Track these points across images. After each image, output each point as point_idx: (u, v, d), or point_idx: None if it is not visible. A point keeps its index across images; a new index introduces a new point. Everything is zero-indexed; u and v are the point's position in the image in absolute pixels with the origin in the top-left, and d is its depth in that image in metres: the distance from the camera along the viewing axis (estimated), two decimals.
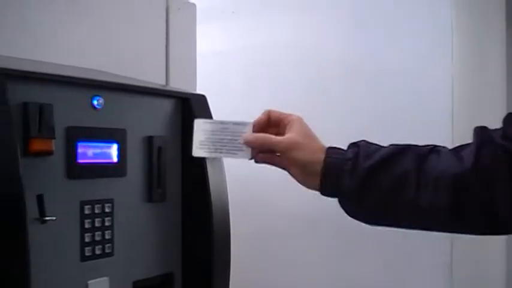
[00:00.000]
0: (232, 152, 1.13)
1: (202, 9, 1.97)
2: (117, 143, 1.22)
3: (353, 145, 1.08)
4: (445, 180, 1.00)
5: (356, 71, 2.20)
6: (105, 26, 1.61)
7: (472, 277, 2.00)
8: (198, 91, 1.54)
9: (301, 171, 1.09)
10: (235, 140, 1.13)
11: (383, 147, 1.08)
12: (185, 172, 1.38)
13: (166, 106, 1.36)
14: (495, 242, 1.99)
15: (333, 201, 1.08)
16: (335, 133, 2.11)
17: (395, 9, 2.14)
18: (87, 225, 1.17)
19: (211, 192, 1.33)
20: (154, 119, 1.32)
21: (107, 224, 1.20)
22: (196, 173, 1.35)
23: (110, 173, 1.22)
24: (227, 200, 1.38)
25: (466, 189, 0.99)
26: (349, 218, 1.08)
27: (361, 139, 1.10)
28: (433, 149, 1.05)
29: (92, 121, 1.18)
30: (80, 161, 1.15)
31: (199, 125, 1.15)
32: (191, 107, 1.37)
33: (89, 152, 1.17)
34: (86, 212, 1.17)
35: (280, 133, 1.12)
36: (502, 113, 1.04)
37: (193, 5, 1.93)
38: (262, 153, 1.13)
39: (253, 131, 1.13)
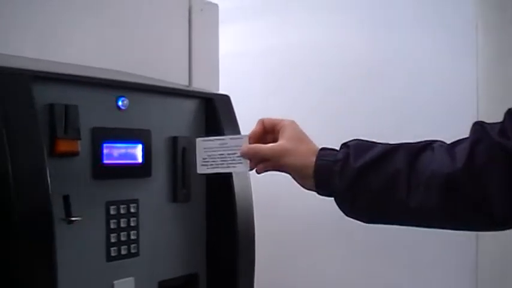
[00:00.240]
0: (232, 165, 1.17)
1: (224, 9, 1.97)
2: (142, 143, 1.23)
3: (344, 145, 1.09)
4: (437, 180, 0.98)
5: (379, 71, 2.19)
6: (129, 28, 1.62)
7: (497, 277, 1.98)
8: (221, 91, 1.54)
9: (296, 175, 1.11)
10: (234, 153, 1.16)
11: (375, 145, 1.07)
12: None
13: (190, 106, 1.36)
14: None
15: None
16: (358, 133, 2.12)
17: (418, 8, 2.12)
18: (112, 226, 1.17)
19: (235, 192, 1.32)
20: (179, 120, 1.33)
21: (132, 224, 1.21)
22: (220, 173, 1.34)
23: (135, 174, 1.22)
24: (251, 200, 1.38)
25: (458, 188, 0.97)
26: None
27: (354, 138, 1.10)
28: (427, 146, 1.04)
29: (117, 122, 1.19)
30: (106, 161, 1.15)
31: (200, 144, 1.18)
32: (215, 107, 1.37)
33: (114, 153, 1.17)
34: (112, 212, 1.17)
35: (276, 139, 1.14)
36: None
37: (216, 5, 1.93)
38: (262, 163, 1.14)
39: (250, 143, 1.15)
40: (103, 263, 1.16)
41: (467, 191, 0.96)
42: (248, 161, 1.15)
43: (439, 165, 0.99)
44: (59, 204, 1.05)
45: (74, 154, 1.09)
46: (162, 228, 1.29)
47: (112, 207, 1.17)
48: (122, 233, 1.19)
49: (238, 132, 1.38)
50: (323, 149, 1.10)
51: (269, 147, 1.12)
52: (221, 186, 1.34)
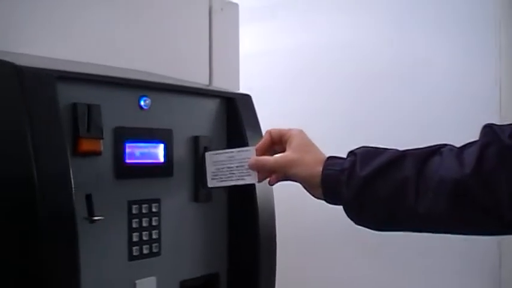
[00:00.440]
0: (242, 178, 1.19)
1: (244, 9, 1.97)
2: (164, 143, 1.23)
3: (351, 153, 1.09)
4: (445, 185, 0.97)
5: (402, 71, 2.17)
6: (149, 28, 1.62)
7: None
8: (241, 91, 1.54)
9: (305, 185, 1.12)
10: (243, 166, 1.19)
11: (382, 152, 1.06)
12: None
13: (211, 106, 1.36)
14: None
15: None
16: (379, 135, 2.10)
17: (440, 8, 2.10)
18: (134, 225, 1.18)
19: (257, 192, 1.32)
20: (200, 119, 1.33)
21: (154, 223, 1.21)
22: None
23: (156, 173, 1.22)
24: (273, 201, 1.38)
25: (467, 194, 0.95)
26: None
27: (361, 145, 1.09)
28: (436, 151, 1.03)
29: (139, 121, 1.19)
30: (128, 161, 1.16)
31: (209, 157, 1.21)
32: (236, 106, 1.36)
33: (136, 152, 1.17)
34: (134, 211, 1.17)
35: (284, 149, 1.15)
36: None
37: (236, 5, 1.93)
38: (273, 175, 1.16)
39: (257, 155, 1.17)
40: (125, 262, 1.17)
41: (476, 195, 0.95)
42: (256, 173, 1.17)
43: (447, 171, 0.98)
44: (81, 203, 1.05)
45: (97, 153, 1.10)
46: (184, 228, 1.29)
47: (134, 206, 1.18)
48: (143, 233, 1.19)
49: (260, 132, 1.38)
50: (330, 158, 1.10)
51: (275, 159, 1.14)
52: (242, 186, 1.33)
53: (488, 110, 1.95)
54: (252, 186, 1.30)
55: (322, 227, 2.31)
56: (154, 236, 1.21)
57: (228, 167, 1.21)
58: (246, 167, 1.18)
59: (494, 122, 1.00)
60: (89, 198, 1.07)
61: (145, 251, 1.20)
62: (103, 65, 1.37)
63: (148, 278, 1.20)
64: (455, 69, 2.07)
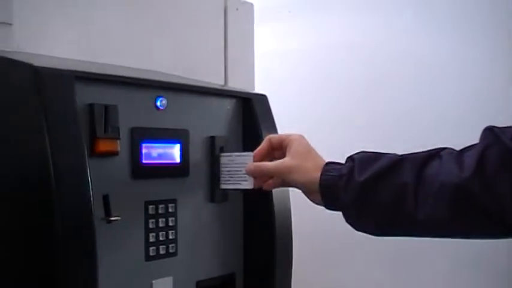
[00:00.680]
0: (238, 182, 1.21)
1: (259, 9, 1.97)
2: (180, 143, 1.23)
3: (349, 159, 1.08)
4: (445, 190, 0.96)
5: (418, 71, 2.16)
6: (164, 28, 1.63)
7: None
8: (256, 91, 1.53)
9: (304, 191, 1.13)
10: (240, 171, 1.20)
11: (381, 157, 1.05)
12: None
13: (227, 106, 1.35)
14: None
15: None
16: (397, 134, 2.09)
17: (451, 7, 2.08)
18: (151, 225, 1.18)
19: (273, 191, 1.32)
20: (216, 119, 1.32)
21: (170, 224, 1.21)
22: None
23: (173, 173, 1.22)
24: (289, 200, 1.37)
25: (468, 198, 0.94)
26: None
27: (360, 150, 1.09)
28: (435, 155, 1.01)
29: (155, 122, 1.19)
30: (145, 161, 1.16)
31: (220, 159, 1.25)
32: (252, 107, 1.36)
33: (153, 153, 1.18)
34: (150, 212, 1.18)
35: (284, 155, 1.15)
36: None
37: (251, 4, 1.93)
38: (270, 180, 1.18)
39: (255, 160, 1.18)
40: (142, 263, 1.17)
41: (478, 199, 0.93)
42: (252, 179, 1.18)
43: (447, 175, 0.96)
44: (98, 203, 1.05)
45: (114, 154, 1.10)
46: (200, 228, 1.29)
47: (150, 206, 1.18)
48: (160, 233, 1.19)
49: (276, 133, 1.37)
50: (328, 163, 1.10)
51: (273, 165, 1.14)
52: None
53: (502, 112, 1.93)
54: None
55: (339, 227, 2.30)
56: (170, 236, 1.21)
57: (228, 170, 1.23)
58: (244, 172, 1.19)
59: (509, 124, 0.99)
60: (106, 198, 1.07)
61: (162, 251, 1.20)
62: (119, 66, 1.38)
63: (165, 278, 1.20)
64: (467, 70, 2.05)
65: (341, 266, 2.35)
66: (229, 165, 1.23)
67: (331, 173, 1.07)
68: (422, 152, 1.03)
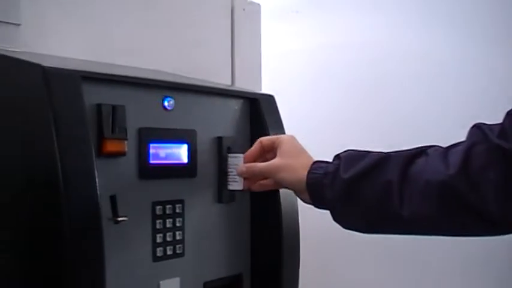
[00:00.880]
0: (230, 183, 1.25)
1: (266, 9, 1.96)
2: (188, 143, 1.23)
3: (336, 157, 1.09)
4: (430, 188, 0.96)
5: (428, 71, 2.15)
6: (171, 28, 1.63)
7: None
8: (263, 91, 1.53)
9: (294, 190, 1.16)
10: (232, 172, 1.24)
11: (367, 155, 1.06)
12: None
13: (235, 107, 1.35)
14: None
15: None
16: (404, 134, 2.09)
17: (469, 7, 2.08)
18: (158, 226, 1.17)
19: (280, 192, 1.31)
20: (224, 120, 1.32)
21: (177, 224, 1.21)
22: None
23: (180, 174, 1.22)
24: (296, 200, 1.36)
25: (454, 195, 0.94)
26: None
27: (347, 149, 1.10)
28: (422, 153, 1.02)
29: (162, 122, 1.19)
30: (152, 161, 1.16)
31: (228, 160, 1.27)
32: (260, 107, 1.36)
33: (160, 153, 1.17)
34: (158, 212, 1.17)
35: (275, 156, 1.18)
36: None
37: (258, 5, 1.93)
38: (260, 182, 1.21)
39: (245, 162, 1.21)
40: (149, 263, 1.16)
41: (463, 196, 0.93)
42: (242, 180, 1.22)
43: (432, 173, 0.96)
44: (105, 204, 1.05)
45: (121, 154, 1.10)
46: (207, 229, 1.28)
47: (158, 207, 1.17)
48: (167, 233, 1.19)
49: (283, 133, 1.37)
50: (316, 162, 1.11)
51: (264, 165, 1.17)
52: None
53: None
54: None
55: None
56: (178, 237, 1.21)
57: (224, 171, 1.26)
58: (235, 173, 1.22)
59: None
60: (113, 199, 1.06)
61: (169, 252, 1.19)
62: (127, 66, 1.38)
63: (172, 278, 1.20)
64: (475, 69, 2.05)
65: (346, 266, 2.35)
66: (225, 166, 1.26)
67: (318, 171, 1.09)
68: (409, 149, 1.04)
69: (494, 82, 1.99)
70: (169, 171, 1.20)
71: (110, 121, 1.07)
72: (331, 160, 1.11)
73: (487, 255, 2.00)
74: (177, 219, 1.21)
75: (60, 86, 0.98)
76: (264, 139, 1.21)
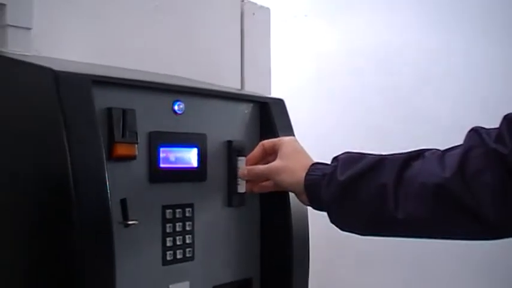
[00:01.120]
0: (238, 186, 1.28)
1: (276, 13, 1.97)
2: (198, 147, 1.23)
3: (334, 159, 1.10)
4: (425, 190, 0.96)
5: (442, 74, 2.14)
6: (182, 33, 1.63)
7: None
8: (273, 95, 1.53)
9: (293, 192, 1.18)
10: (235, 175, 1.27)
11: (364, 157, 1.07)
12: None
13: (245, 111, 1.35)
14: None
15: None
16: (418, 139, 2.08)
17: (479, 9, 2.07)
18: (168, 230, 1.17)
19: (290, 196, 1.31)
20: (234, 124, 1.32)
21: (187, 228, 1.21)
22: None
23: (190, 178, 1.22)
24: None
25: (449, 198, 0.94)
26: None
27: (345, 151, 1.11)
28: (418, 155, 1.02)
29: (172, 126, 1.19)
30: (162, 165, 1.16)
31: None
32: (270, 111, 1.36)
33: (170, 157, 1.17)
34: (168, 216, 1.17)
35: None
36: None
37: (268, 9, 1.93)
38: (261, 184, 1.24)
39: (247, 165, 1.24)
40: (159, 267, 1.16)
41: (458, 200, 0.94)
42: (244, 183, 1.25)
43: (428, 176, 0.97)
44: (116, 207, 1.05)
45: (131, 158, 1.10)
46: (217, 233, 1.28)
47: (168, 211, 1.17)
48: (177, 237, 1.19)
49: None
50: (314, 164, 1.13)
51: (264, 167, 1.20)
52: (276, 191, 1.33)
53: None
54: (285, 191, 1.29)
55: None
56: (188, 241, 1.21)
57: (234, 175, 1.28)
58: (237, 176, 1.25)
59: None
60: (123, 202, 1.07)
61: (178, 256, 1.19)
62: (137, 70, 1.38)
63: (182, 282, 1.20)
64: (492, 72, 2.04)
65: (350, 267, 2.34)
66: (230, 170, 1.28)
67: (316, 173, 1.10)
68: (407, 152, 1.04)
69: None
70: (179, 175, 1.20)
71: (120, 125, 1.07)
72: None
73: (490, 259, 1.99)
74: (187, 223, 1.21)
75: (71, 90, 0.98)
76: (266, 142, 1.24)
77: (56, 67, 0.99)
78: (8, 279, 1.07)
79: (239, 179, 1.26)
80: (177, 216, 1.19)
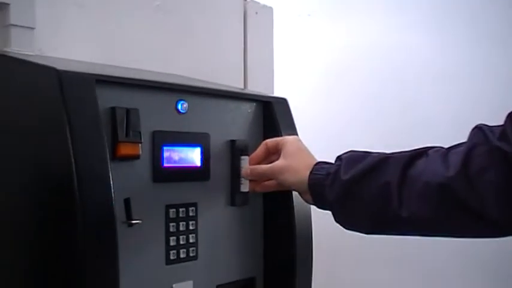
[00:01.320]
0: (241, 185, 1.28)
1: (278, 12, 1.97)
2: (201, 147, 1.23)
3: (338, 158, 1.10)
4: (429, 189, 0.96)
5: (442, 74, 2.14)
6: (185, 32, 1.63)
7: None
8: (276, 94, 1.53)
9: (297, 191, 1.17)
10: (237, 174, 1.27)
11: (368, 156, 1.07)
12: None
13: (248, 110, 1.35)
14: None
15: None
16: (417, 138, 2.08)
17: (482, 10, 2.07)
18: (171, 229, 1.18)
19: (293, 195, 1.31)
20: (237, 123, 1.32)
21: (191, 227, 1.21)
22: None
23: (193, 177, 1.22)
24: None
25: (453, 196, 0.94)
26: None
27: (349, 149, 1.11)
28: (422, 153, 1.02)
29: (176, 125, 1.19)
30: (166, 165, 1.16)
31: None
32: (273, 110, 1.36)
33: (174, 156, 1.17)
34: (171, 215, 1.17)
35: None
36: None
37: (270, 8, 1.93)
38: (264, 183, 1.24)
39: (251, 164, 1.24)
40: (162, 266, 1.16)
41: (462, 197, 0.93)
42: (248, 182, 1.25)
43: (432, 174, 0.97)
44: (119, 207, 1.05)
45: (135, 157, 1.10)
46: (220, 232, 1.28)
47: (171, 210, 1.18)
48: (181, 236, 1.19)
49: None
50: (318, 163, 1.13)
51: (268, 166, 1.19)
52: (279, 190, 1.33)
53: None
54: (289, 190, 1.29)
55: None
56: (191, 240, 1.21)
57: (237, 174, 1.28)
58: (240, 175, 1.26)
59: None
60: (127, 202, 1.07)
61: (182, 255, 1.19)
62: (140, 69, 1.38)
63: (186, 282, 1.20)
64: (487, 72, 2.04)
65: (353, 267, 2.34)
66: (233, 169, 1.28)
67: (320, 172, 1.10)
68: (410, 150, 1.04)
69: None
70: (183, 174, 1.20)
71: (124, 124, 1.07)
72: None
73: (494, 257, 1.99)
74: (190, 222, 1.21)
75: (74, 89, 0.98)
76: (269, 141, 1.23)
77: (60, 66, 0.99)
78: (11, 279, 1.07)
79: (242, 178, 1.26)
80: (181, 215, 1.19)
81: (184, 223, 1.20)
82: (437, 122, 2.13)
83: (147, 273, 1.14)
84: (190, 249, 1.21)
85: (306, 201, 1.18)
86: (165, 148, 1.16)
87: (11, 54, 1.16)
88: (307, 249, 1.37)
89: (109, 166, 0.98)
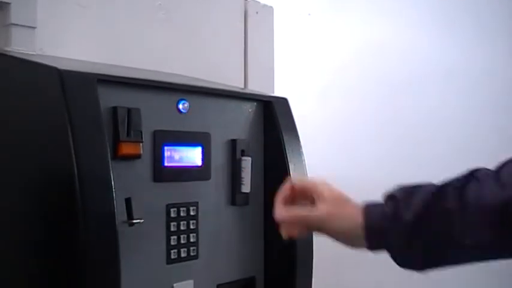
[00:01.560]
0: (241, 185, 1.29)
1: (279, 12, 1.96)
2: (202, 146, 1.23)
3: (390, 198, 1.03)
4: (491, 213, 0.92)
5: (443, 73, 2.14)
6: (186, 32, 1.63)
7: None
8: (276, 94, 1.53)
9: (344, 238, 1.06)
10: (243, 174, 1.28)
11: (419, 189, 1.00)
12: (267, 175, 1.38)
13: (249, 109, 1.35)
14: None
15: None
16: (420, 140, 2.08)
17: (486, 9, 2.07)
18: (172, 228, 1.18)
19: None
20: (237, 123, 1.32)
21: (191, 227, 1.21)
22: (278, 176, 1.33)
23: (194, 177, 1.22)
24: None
25: None
26: None
27: (397, 185, 1.04)
28: (470, 177, 0.98)
29: (177, 125, 1.19)
30: (167, 164, 1.16)
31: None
32: (273, 110, 1.36)
33: (175, 156, 1.18)
34: (172, 215, 1.18)
35: (308, 202, 1.08)
36: None
37: (271, 8, 1.93)
38: (302, 229, 1.08)
39: (279, 207, 1.09)
40: (163, 266, 1.17)
41: None
42: (249, 182, 1.26)
43: (489, 196, 0.93)
44: (120, 206, 1.05)
45: (136, 157, 1.10)
46: (221, 231, 1.29)
47: (172, 209, 1.18)
48: (181, 236, 1.19)
49: (297, 136, 1.37)
50: (367, 206, 1.04)
51: (312, 215, 1.06)
52: (279, 189, 1.33)
53: None
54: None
55: None
56: (192, 239, 1.21)
57: (238, 174, 1.28)
58: (242, 176, 1.27)
59: None
60: (128, 201, 1.07)
61: (183, 254, 1.20)
62: (142, 69, 1.38)
63: (186, 281, 1.20)
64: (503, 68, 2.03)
65: (355, 268, 2.34)
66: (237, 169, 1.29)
67: (375, 217, 1.02)
68: (458, 177, 1.00)
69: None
70: (184, 173, 1.20)
71: (125, 124, 1.07)
72: (370, 199, 1.05)
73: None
74: (191, 222, 1.21)
75: (76, 88, 0.98)
76: (297, 184, 1.11)
77: (61, 66, 1.00)
78: (12, 279, 1.07)
79: (243, 178, 1.26)
80: (182, 214, 1.19)
81: (185, 222, 1.20)
82: (437, 122, 2.13)
83: (148, 272, 1.14)
84: (191, 248, 1.21)
85: (352, 247, 1.08)
86: (166, 147, 1.16)
87: (12, 54, 1.16)
88: (308, 249, 1.37)
89: (110, 165, 0.99)
